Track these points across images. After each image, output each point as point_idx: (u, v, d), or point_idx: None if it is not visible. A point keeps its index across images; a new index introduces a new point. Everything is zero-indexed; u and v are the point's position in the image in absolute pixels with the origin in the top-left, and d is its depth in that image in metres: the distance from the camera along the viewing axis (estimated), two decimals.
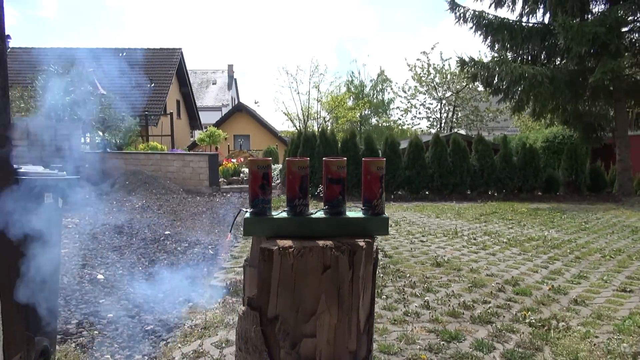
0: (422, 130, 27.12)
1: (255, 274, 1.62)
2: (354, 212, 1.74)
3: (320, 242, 1.58)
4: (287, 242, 1.59)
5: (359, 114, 28.93)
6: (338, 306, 1.57)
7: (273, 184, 13.39)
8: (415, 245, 6.08)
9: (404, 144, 14.31)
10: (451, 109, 25.84)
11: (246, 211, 1.70)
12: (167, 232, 7.24)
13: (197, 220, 8.60)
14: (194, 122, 28.28)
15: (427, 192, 12.27)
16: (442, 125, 26.10)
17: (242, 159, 17.06)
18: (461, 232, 7.07)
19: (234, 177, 14.78)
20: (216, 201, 11.61)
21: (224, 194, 12.79)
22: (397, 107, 27.00)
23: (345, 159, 1.74)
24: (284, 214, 1.70)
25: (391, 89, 28.77)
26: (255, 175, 1.68)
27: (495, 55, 12.82)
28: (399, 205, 10.95)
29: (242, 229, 1.95)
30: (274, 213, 1.71)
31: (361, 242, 1.61)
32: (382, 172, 1.69)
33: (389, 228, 7.52)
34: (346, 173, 1.69)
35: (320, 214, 1.72)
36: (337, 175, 1.68)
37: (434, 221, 8.33)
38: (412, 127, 27.14)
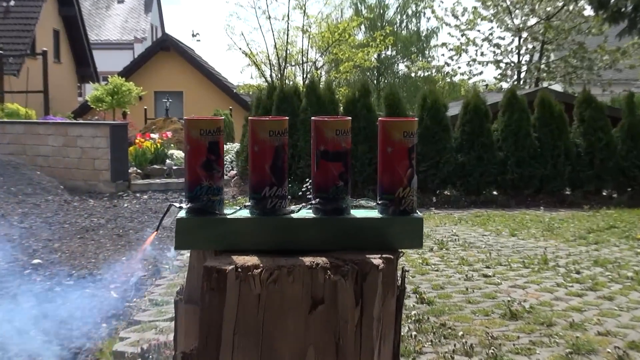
0: (486, 85, 27.23)
1: (195, 315, 1.68)
2: (363, 209, 1.81)
3: (307, 260, 1.64)
4: (251, 260, 1.64)
5: (375, 55, 29.03)
6: None
7: (226, 176, 13.41)
8: (474, 283, 6.16)
9: (454, 109, 14.43)
10: (537, 48, 25.95)
11: (179, 207, 1.77)
12: (35, 261, 7.25)
13: (90, 241, 8.55)
14: (85, 70, 28.20)
15: (494, 192, 12.40)
16: (522, 76, 26.22)
17: (169, 134, 17.04)
18: (554, 261, 7.13)
19: (156, 166, 14.72)
20: (124, 208, 11.53)
21: (138, 195, 12.76)
22: (444, 45, 26.88)
23: (350, 118, 1.81)
24: (245, 213, 1.77)
25: (432, 12, 28.62)
26: (196, 145, 1.73)
27: None
28: (446, 215, 11.00)
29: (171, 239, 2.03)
30: (228, 211, 1.77)
31: (376, 260, 1.66)
32: (413, 141, 1.76)
33: (427, 252, 7.66)
34: (350, 143, 1.76)
35: (306, 213, 1.78)
36: (335, 145, 1.73)
37: (506, 242, 8.39)
38: (470, 78, 27.23)
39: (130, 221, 9.76)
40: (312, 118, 1.78)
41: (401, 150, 1.74)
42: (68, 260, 7.21)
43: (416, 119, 1.83)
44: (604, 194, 12.94)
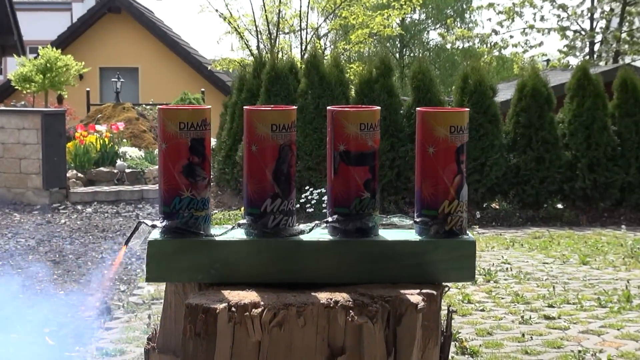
0: (547, 61, 27.20)
1: None
2: (396, 229, 1.83)
3: (323, 296, 1.67)
4: (249, 296, 1.67)
5: (398, 19, 29.03)
6: None
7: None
8: (533, 328, 6.17)
9: (505, 92, 14.34)
10: (617, 11, 25.96)
11: (151, 225, 1.80)
12: None
13: (16, 269, 8.51)
14: (5, 38, 28.21)
15: (559, 205, 12.38)
16: (596, 48, 26.21)
17: (121, 125, 17.02)
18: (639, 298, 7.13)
19: (103, 169, 14.70)
20: (60, 225, 11.50)
21: (79, 208, 12.73)
22: (490, 6, 26.88)
23: (379, 109, 1.83)
24: (240, 233, 1.79)
25: None
26: (174, 144, 1.76)
27: None
28: (494, 235, 10.96)
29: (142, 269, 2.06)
30: (216, 231, 1.80)
31: (414, 297, 1.69)
32: (463, 139, 1.79)
33: (470, 286, 7.65)
34: (379, 141, 1.78)
35: (320, 234, 1.81)
36: (359, 144, 1.76)
37: (575, 272, 8.37)
38: (525, 51, 27.21)
39: (69, 242, 9.77)
40: (329, 108, 1.81)
41: (447, 151, 1.76)
42: None
43: (467, 109, 1.84)
44: None
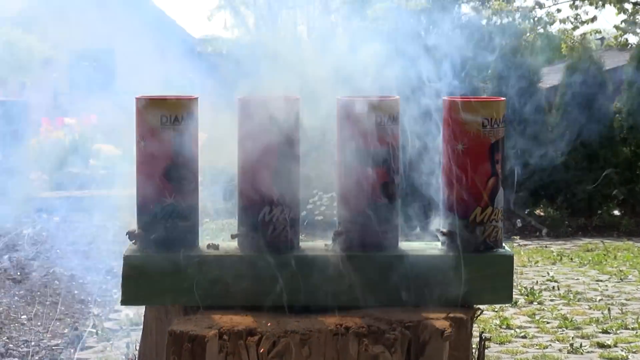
0: (602, 39, 27.17)
1: None
2: (418, 242, 1.84)
3: (332, 321, 1.68)
4: (243, 321, 1.68)
5: None
6: None
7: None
8: (583, 357, 6.15)
9: (551, 77, 14.31)
10: None
11: (130, 236, 1.79)
12: None
13: None
14: None
15: (615, 212, 12.32)
16: None
17: (93, 117, 17.05)
18: None
19: (73, 170, 14.74)
20: (23, 237, 11.48)
21: (44, 217, 12.77)
22: None
23: (398, 97, 1.84)
24: (233, 247, 1.81)
25: None
26: (156, 141, 1.76)
27: None
28: (538, 248, 10.88)
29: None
30: (204, 245, 1.80)
31: (439, 322, 1.70)
32: (499, 134, 1.79)
33: (510, 308, 7.58)
34: (399, 138, 1.79)
35: (327, 247, 1.83)
36: (375, 140, 1.78)
37: (635, 291, 8.32)
38: (575, 28, 27.11)
39: (34, 258, 9.79)
40: (337, 97, 1.81)
41: (480, 148, 1.78)
42: None
43: (504, 98, 1.85)
44: None
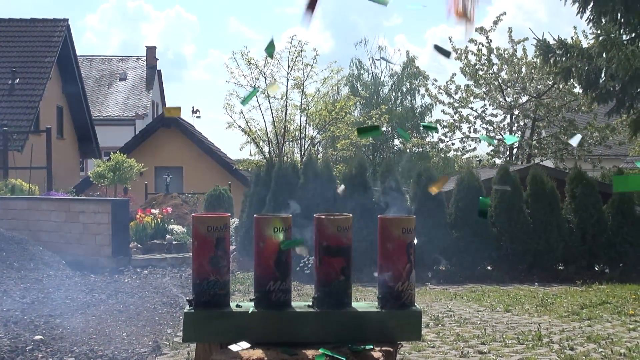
0: (479, 161, 27.29)
1: None
2: (364, 302, 1.84)
3: (310, 352, 1.68)
4: (255, 353, 1.68)
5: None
6: None
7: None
8: None
9: (448, 184, 14.39)
10: (529, 125, 26.18)
11: (189, 302, 1.79)
12: (37, 337, 7.17)
13: (91, 317, 8.46)
14: (87, 146, 28.24)
15: (488, 268, 12.26)
16: (514, 152, 26.39)
17: (169, 209, 17.02)
18: (548, 337, 7.04)
19: (156, 241, 14.68)
20: (124, 283, 11.45)
21: (138, 270, 12.65)
22: (438, 122, 27.19)
23: (351, 216, 1.86)
24: (250, 306, 1.80)
25: (426, 90, 28.97)
26: (204, 242, 1.78)
27: (601, 34, 13.08)
28: (441, 290, 10.83)
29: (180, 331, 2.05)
30: (234, 304, 1.80)
31: (376, 353, 1.70)
32: (412, 237, 1.80)
33: (423, 329, 7.44)
34: (351, 238, 1.80)
35: (307, 307, 1.82)
36: (337, 241, 1.79)
37: (501, 317, 8.27)
38: (463, 155, 27.32)
39: (130, 296, 9.67)
40: (315, 215, 1.83)
41: (401, 247, 1.79)
42: (72, 336, 7.13)
43: (413, 216, 1.87)
44: (596, 269, 12.85)
